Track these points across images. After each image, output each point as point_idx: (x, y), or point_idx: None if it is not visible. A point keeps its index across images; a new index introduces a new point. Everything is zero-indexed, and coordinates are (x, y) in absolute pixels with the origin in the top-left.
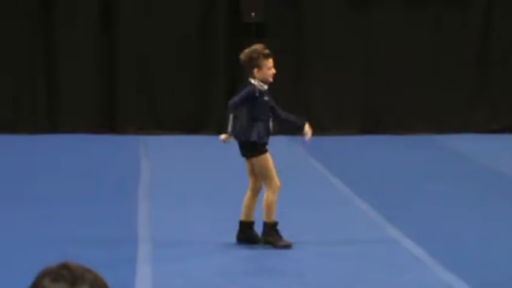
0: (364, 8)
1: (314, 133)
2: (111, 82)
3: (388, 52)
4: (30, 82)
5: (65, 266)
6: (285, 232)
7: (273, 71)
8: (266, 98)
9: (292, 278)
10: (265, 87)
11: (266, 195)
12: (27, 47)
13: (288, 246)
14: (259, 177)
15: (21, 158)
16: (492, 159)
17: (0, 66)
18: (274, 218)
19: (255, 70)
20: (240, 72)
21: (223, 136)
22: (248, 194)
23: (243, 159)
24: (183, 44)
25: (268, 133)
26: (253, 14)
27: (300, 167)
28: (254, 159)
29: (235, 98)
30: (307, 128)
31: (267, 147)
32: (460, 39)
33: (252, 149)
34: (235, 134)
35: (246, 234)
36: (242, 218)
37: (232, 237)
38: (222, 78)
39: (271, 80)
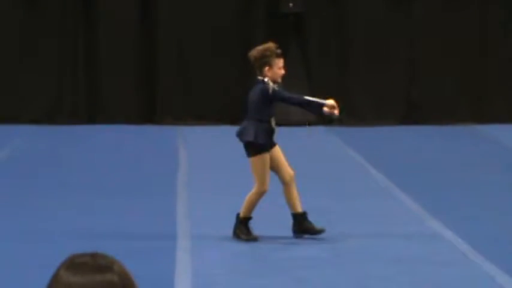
0: None
1: (353, 123)
2: (150, 73)
3: (430, 41)
4: (69, 73)
5: (94, 255)
6: (323, 222)
7: (283, 71)
8: (276, 100)
9: (331, 270)
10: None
11: (251, 192)
12: (68, 38)
13: (254, 240)
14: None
15: (60, 149)
16: None
17: (41, 58)
18: (250, 214)
19: (266, 68)
20: None
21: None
22: (283, 188)
23: (281, 150)
24: (221, 34)
25: (269, 133)
26: (291, 4)
27: (339, 158)
28: (249, 159)
29: (285, 96)
30: (330, 101)
31: (273, 145)
32: (504, 30)
33: (247, 148)
34: (237, 133)
35: (301, 226)
36: (292, 210)
37: (269, 227)
38: None
39: (280, 79)
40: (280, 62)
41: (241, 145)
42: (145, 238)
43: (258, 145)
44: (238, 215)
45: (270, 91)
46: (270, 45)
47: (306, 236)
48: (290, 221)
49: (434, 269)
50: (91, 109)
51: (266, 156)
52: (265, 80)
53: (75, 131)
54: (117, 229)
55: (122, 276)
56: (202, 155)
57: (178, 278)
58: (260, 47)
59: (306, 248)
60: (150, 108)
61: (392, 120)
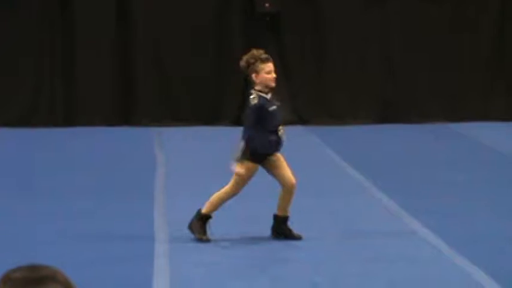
0: None
1: (330, 122)
2: (127, 74)
3: (405, 40)
4: (46, 75)
5: (30, 267)
6: (300, 222)
7: (273, 75)
8: (273, 108)
9: (308, 268)
10: (268, 95)
11: (224, 189)
12: (44, 39)
13: (204, 241)
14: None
15: (37, 151)
16: (510, 148)
17: (17, 60)
18: (212, 212)
19: (254, 75)
20: None
21: (235, 166)
22: (281, 191)
23: None
24: (198, 35)
25: (273, 145)
26: (267, 4)
27: (316, 157)
28: (241, 161)
29: (248, 123)
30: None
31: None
32: (478, 26)
33: (244, 153)
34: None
35: (281, 228)
36: (278, 212)
37: (248, 229)
38: (238, 69)
39: (271, 84)
40: (266, 67)
41: (219, 147)
42: (122, 241)
43: (256, 155)
44: (199, 210)
45: (248, 106)
46: (253, 51)
47: (283, 238)
48: (268, 222)
49: (412, 266)
50: (68, 111)
51: (254, 167)
52: (251, 97)
53: (52, 133)
54: (93, 232)
55: (66, 285)
56: (180, 157)
57: (156, 281)
58: (245, 56)
59: (284, 247)
60: (127, 110)
61: (369, 119)
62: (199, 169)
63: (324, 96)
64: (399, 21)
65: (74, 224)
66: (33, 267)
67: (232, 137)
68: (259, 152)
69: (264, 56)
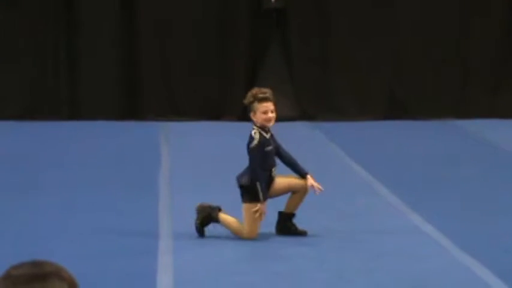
0: None
1: (336, 118)
2: (132, 68)
3: (413, 37)
4: (50, 68)
5: (33, 263)
6: (305, 218)
7: (269, 115)
8: (269, 148)
9: (312, 264)
10: (268, 135)
11: (241, 229)
12: (48, 35)
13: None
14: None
15: (42, 144)
16: None
17: (21, 54)
18: (218, 221)
19: (251, 114)
20: (261, 59)
21: (259, 206)
22: (291, 194)
23: None
24: (203, 31)
25: (268, 183)
26: (272, 0)
27: (321, 152)
28: (243, 204)
29: (253, 167)
30: (310, 181)
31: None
32: (483, 24)
33: (242, 193)
34: (237, 176)
35: (286, 225)
36: (285, 210)
37: None
38: (242, 65)
39: (267, 124)
40: (262, 107)
41: (224, 142)
42: (126, 236)
43: (253, 191)
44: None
45: (250, 146)
46: (253, 90)
47: (288, 235)
48: (272, 219)
49: (415, 262)
50: (72, 105)
51: (258, 206)
52: (253, 132)
53: (56, 128)
54: (97, 227)
55: (71, 283)
56: (185, 151)
57: (160, 276)
58: (248, 93)
59: (288, 244)
60: (132, 104)
61: (375, 115)
62: (204, 164)
63: (329, 92)
64: (406, 17)
65: (78, 218)
66: (36, 264)
67: (237, 132)
68: (253, 188)
69: (262, 95)
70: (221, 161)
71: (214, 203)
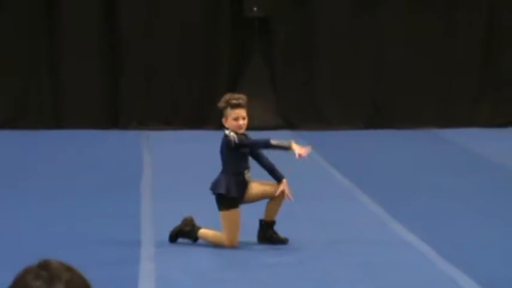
0: (371, 2)
1: (319, 127)
2: (114, 77)
3: (395, 45)
4: (33, 77)
5: (44, 265)
6: (286, 227)
7: (240, 122)
8: (244, 150)
9: (294, 273)
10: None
11: (222, 238)
12: (31, 44)
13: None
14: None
15: (24, 153)
16: (496, 154)
17: (4, 62)
18: (199, 237)
19: (224, 120)
20: (243, 68)
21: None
22: (269, 200)
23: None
24: (185, 39)
25: (242, 187)
26: (255, 8)
27: (304, 161)
28: (220, 212)
29: (249, 142)
30: (283, 186)
31: (238, 203)
32: (465, 34)
33: (218, 201)
34: (211, 186)
35: (266, 233)
36: (265, 218)
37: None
38: (225, 74)
39: (237, 130)
40: (234, 113)
41: (206, 150)
42: (108, 244)
43: (229, 199)
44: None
45: (233, 143)
46: (227, 96)
47: (269, 243)
48: (254, 226)
49: (398, 272)
50: (55, 114)
51: (236, 212)
52: (226, 132)
53: (39, 136)
54: (78, 235)
55: (69, 285)
56: (167, 160)
57: (142, 284)
58: (222, 98)
59: (270, 253)
60: (115, 113)
61: (358, 124)
62: (186, 173)
63: (312, 100)
64: (389, 27)
65: (60, 226)
66: (44, 265)
67: (218, 141)
68: (229, 195)
69: (235, 101)
70: (203, 169)
71: (196, 211)
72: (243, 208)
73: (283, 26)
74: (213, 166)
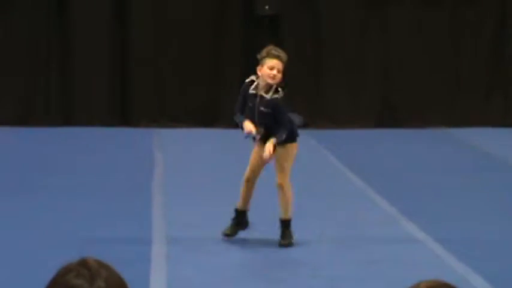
0: (381, 1)
1: (329, 126)
2: (124, 75)
3: (405, 44)
4: (43, 75)
5: (83, 263)
6: (300, 224)
7: (274, 72)
8: (251, 104)
9: (307, 271)
10: (262, 92)
11: (284, 193)
12: (40, 41)
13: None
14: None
15: (34, 151)
16: (508, 153)
17: (14, 60)
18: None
19: (259, 68)
20: (254, 66)
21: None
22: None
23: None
24: (196, 37)
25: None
26: (266, 6)
27: (314, 160)
28: (284, 146)
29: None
30: (267, 145)
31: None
32: (476, 34)
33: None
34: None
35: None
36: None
37: (247, 232)
38: (236, 72)
39: (268, 80)
40: (271, 62)
41: (217, 148)
42: (120, 242)
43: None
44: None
45: (248, 89)
46: (269, 46)
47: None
48: (267, 225)
49: (409, 270)
50: (65, 111)
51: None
52: (248, 80)
53: (49, 133)
54: (89, 233)
55: (108, 282)
56: (178, 158)
57: (154, 283)
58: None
59: (281, 250)
60: (126, 111)
61: (368, 123)
62: (198, 170)
63: (323, 99)
64: (399, 25)
65: (71, 224)
66: (84, 263)
67: (229, 139)
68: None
69: (275, 52)
70: (214, 167)
71: (207, 208)
72: (252, 205)
73: (293, 24)
74: (224, 163)
